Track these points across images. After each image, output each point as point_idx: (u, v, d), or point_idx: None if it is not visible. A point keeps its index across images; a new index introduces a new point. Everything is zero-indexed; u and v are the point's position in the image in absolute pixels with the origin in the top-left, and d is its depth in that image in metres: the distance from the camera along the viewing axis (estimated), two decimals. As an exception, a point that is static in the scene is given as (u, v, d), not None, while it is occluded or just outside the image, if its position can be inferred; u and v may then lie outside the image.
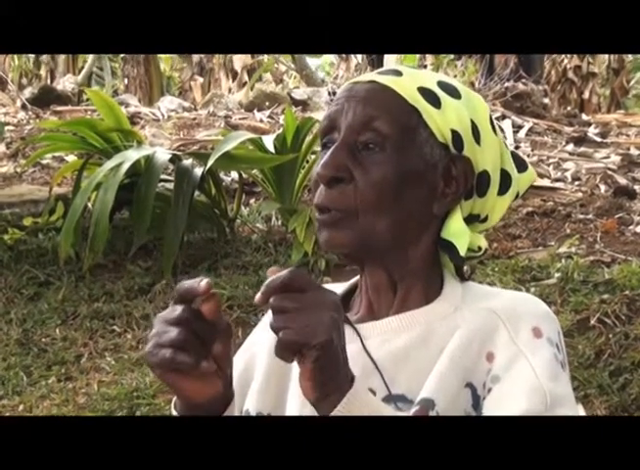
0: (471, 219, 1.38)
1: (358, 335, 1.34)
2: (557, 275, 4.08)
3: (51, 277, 4.95)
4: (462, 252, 1.34)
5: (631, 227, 4.78)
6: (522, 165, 1.43)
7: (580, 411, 3.26)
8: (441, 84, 1.36)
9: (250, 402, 1.39)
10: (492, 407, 1.25)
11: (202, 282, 1.20)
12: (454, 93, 1.36)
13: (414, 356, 1.30)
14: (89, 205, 4.99)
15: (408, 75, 1.35)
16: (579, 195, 5.30)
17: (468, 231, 1.36)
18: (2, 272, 5.04)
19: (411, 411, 1.26)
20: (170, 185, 4.92)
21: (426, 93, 1.33)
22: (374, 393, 1.28)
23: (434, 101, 1.33)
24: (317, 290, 1.14)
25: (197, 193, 4.96)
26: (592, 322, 3.72)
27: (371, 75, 1.36)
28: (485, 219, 1.41)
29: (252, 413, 1.38)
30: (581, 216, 4.92)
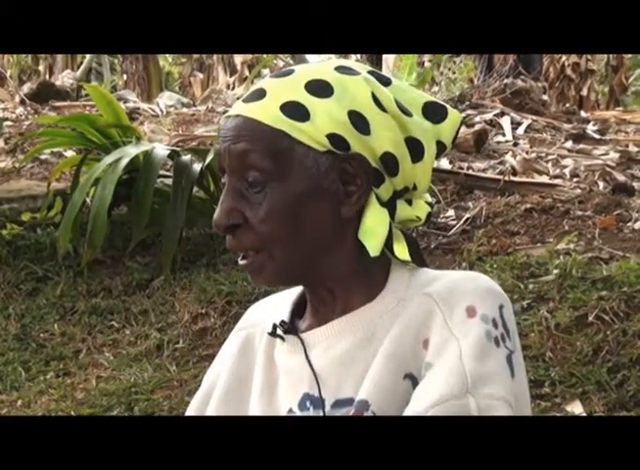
0: (401, 193, 1.34)
1: (303, 345, 1.32)
2: (555, 272, 4.09)
3: (49, 273, 4.95)
4: (372, 252, 1.30)
5: (630, 224, 4.79)
6: (439, 115, 1.36)
7: (577, 406, 3.26)
8: (310, 86, 1.29)
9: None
10: (415, 396, 1.23)
11: None
12: (325, 91, 1.29)
13: (359, 358, 1.29)
14: (88, 200, 4.99)
15: (271, 94, 1.30)
16: (578, 192, 5.30)
17: (384, 225, 1.31)
18: (0, 268, 5.04)
19: (349, 414, 1.26)
20: (169, 181, 4.92)
21: (289, 109, 1.28)
22: (322, 401, 1.28)
23: (300, 114, 1.28)
24: None
25: (195, 189, 4.96)
26: (590, 319, 3.72)
27: (237, 107, 1.32)
28: (416, 188, 1.35)
29: None
30: (580, 213, 4.92)
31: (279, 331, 1.35)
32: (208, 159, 4.69)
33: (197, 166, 4.86)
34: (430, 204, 1.38)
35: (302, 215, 1.28)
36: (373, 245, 1.30)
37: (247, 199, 1.29)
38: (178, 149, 5.24)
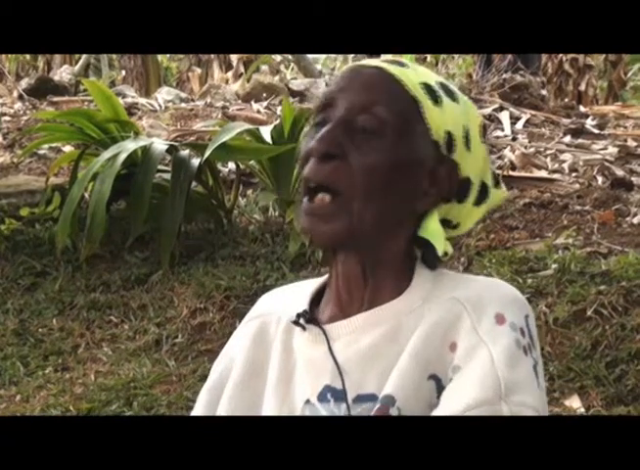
0: (442, 224, 1.37)
1: (325, 337, 1.32)
2: (554, 266, 4.09)
3: (48, 267, 4.95)
4: (440, 251, 1.33)
5: (628, 219, 4.78)
6: (496, 181, 1.42)
7: (575, 401, 3.26)
8: (441, 85, 1.36)
9: (223, 406, 1.38)
10: (445, 398, 1.23)
11: None
12: (452, 96, 1.35)
13: (383, 354, 1.29)
14: (86, 195, 4.99)
15: (412, 69, 1.35)
16: (577, 186, 5.29)
17: (443, 234, 1.34)
18: (-1, 262, 5.04)
19: (373, 409, 1.25)
20: (167, 176, 4.92)
21: (428, 88, 1.33)
22: (345, 394, 1.28)
23: (435, 98, 1.32)
24: None
25: (194, 184, 4.96)
26: (589, 313, 3.72)
27: (376, 62, 1.35)
28: (456, 226, 1.41)
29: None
30: (578, 208, 4.92)
31: (302, 321, 1.35)
32: (207, 153, 4.69)
33: (195, 161, 4.85)
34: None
35: (392, 184, 1.30)
36: (439, 245, 1.33)
37: (352, 139, 1.29)
38: (177, 144, 5.23)
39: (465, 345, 1.25)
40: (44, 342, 4.45)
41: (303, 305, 1.38)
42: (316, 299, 1.40)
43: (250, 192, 5.59)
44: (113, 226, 5.02)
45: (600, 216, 4.76)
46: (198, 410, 1.42)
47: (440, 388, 1.25)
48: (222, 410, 1.38)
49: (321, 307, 1.38)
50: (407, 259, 1.35)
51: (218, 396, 1.40)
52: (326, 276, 1.41)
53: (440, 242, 1.33)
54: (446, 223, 1.39)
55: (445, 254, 1.37)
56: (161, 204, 4.83)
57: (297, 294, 1.42)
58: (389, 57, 1.38)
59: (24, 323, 4.60)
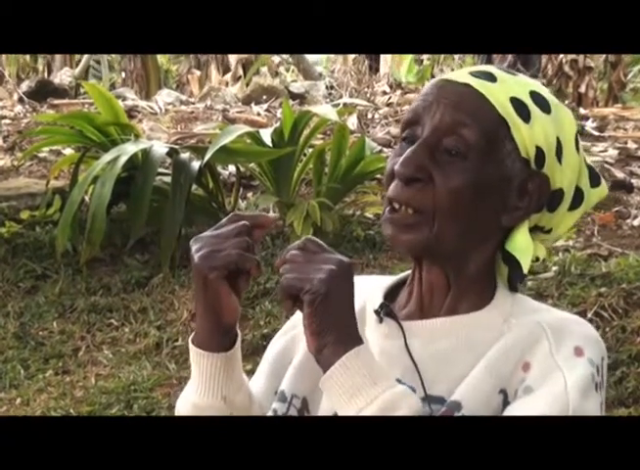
0: (534, 230, 1.37)
1: (402, 332, 1.33)
2: (554, 269, 4.09)
3: (48, 270, 4.95)
4: (525, 269, 1.33)
5: (628, 221, 4.79)
6: (595, 181, 1.41)
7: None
8: (534, 95, 1.33)
9: (285, 384, 1.39)
10: (510, 410, 1.25)
11: (270, 216, 1.36)
12: (545, 107, 1.33)
13: (456, 361, 1.30)
14: (86, 198, 4.99)
15: (502, 82, 1.32)
16: (577, 188, 5.29)
17: (532, 246, 1.35)
18: (-1, 266, 5.04)
19: (439, 411, 1.26)
20: (168, 179, 4.92)
21: (517, 105, 1.31)
22: (413, 390, 1.28)
23: (525, 114, 1.31)
24: (328, 252, 1.25)
25: (194, 186, 4.96)
26: (589, 315, 3.72)
27: (464, 76, 1.33)
28: (549, 231, 1.40)
29: (288, 395, 1.38)
30: (579, 210, 4.91)
31: (382, 313, 1.36)
32: (207, 156, 4.69)
33: (195, 164, 4.85)
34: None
35: (478, 204, 1.30)
36: (525, 261, 1.33)
37: (436, 160, 1.29)
38: (177, 147, 5.23)
39: (540, 367, 1.26)
40: (45, 345, 4.45)
41: (377, 297, 1.39)
42: (389, 294, 1.40)
43: (250, 195, 5.60)
44: (113, 229, 5.02)
45: (600, 218, 4.76)
46: (259, 381, 1.43)
47: (506, 403, 1.26)
48: (287, 390, 1.38)
49: (397, 304, 1.39)
50: (490, 273, 1.36)
51: (280, 367, 1.41)
52: (401, 274, 1.43)
53: (527, 259, 1.33)
54: (539, 229, 1.39)
55: (537, 258, 1.38)
56: (162, 207, 4.83)
57: (368, 285, 1.42)
58: (479, 68, 1.35)
59: (25, 326, 4.60)
